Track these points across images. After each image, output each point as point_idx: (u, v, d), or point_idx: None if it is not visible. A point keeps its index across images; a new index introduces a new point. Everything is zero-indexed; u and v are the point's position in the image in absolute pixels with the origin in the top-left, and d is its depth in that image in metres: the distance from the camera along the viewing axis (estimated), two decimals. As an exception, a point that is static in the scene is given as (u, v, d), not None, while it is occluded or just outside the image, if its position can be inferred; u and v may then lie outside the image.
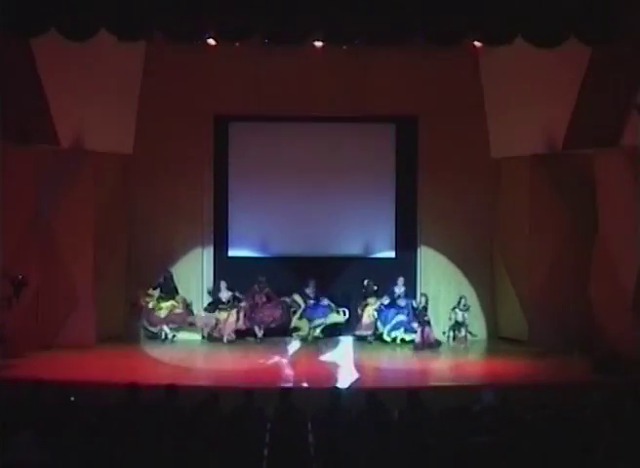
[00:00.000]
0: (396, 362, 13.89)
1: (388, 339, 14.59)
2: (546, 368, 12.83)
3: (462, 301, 14.45)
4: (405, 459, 7.36)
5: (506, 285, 15.01)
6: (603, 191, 13.67)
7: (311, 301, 14.91)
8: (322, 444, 7.88)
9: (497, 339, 15.04)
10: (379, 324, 14.66)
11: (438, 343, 14.24)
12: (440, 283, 15.39)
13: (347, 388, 11.35)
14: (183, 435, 7.85)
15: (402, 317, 14.56)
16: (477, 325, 15.23)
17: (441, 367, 13.43)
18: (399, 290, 14.78)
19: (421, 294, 14.79)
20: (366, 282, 14.85)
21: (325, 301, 14.94)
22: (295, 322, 14.90)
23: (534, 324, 14.30)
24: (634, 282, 12.90)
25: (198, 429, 8.04)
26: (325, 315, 14.89)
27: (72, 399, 9.00)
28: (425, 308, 14.38)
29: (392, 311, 14.63)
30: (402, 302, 14.65)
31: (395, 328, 14.57)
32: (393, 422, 8.72)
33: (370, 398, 9.06)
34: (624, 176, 13.05)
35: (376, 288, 14.82)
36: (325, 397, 9.26)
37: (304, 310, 14.87)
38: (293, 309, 14.90)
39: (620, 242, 13.24)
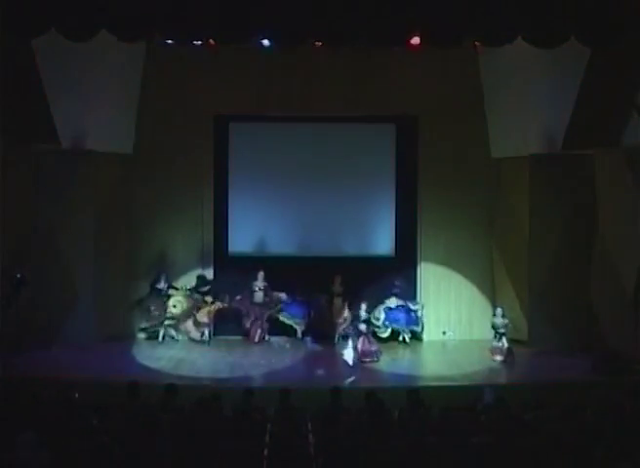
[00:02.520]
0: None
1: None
2: (546, 368, 12.82)
3: (499, 311, 13.81)
4: (405, 459, 7.37)
5: (506, 285, 15.01)
6: (603, 191, 13.68)
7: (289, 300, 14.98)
8: (322, 444, 7.89)
9: (497, 339, 15.03)
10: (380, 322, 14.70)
11: (379, 353, 13.49)
12: (440, 282, 15.39)
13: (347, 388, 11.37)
14: (183, 435, 7.85)
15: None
16: (477, 325, 15.26)
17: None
18: (397, 291, 14.79)
19: (363, 302, 14.33)
20: (338, 279, 14.88)
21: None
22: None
23: (534, 324, 14.30)
24: (634, 282, 12.91)
25: (198, 429, 8.04)
26: (303, 315, 14.89)
27: (77, 395, 9.02)
28: (367, 316, 14.08)
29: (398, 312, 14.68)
30: (392, 304, 14.71)
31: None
32: (393, 422, 8.72)
33: (370, 397, 9.07)
34: (624, 176, 13.06)
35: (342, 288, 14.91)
36: (325, 397, 9.28)
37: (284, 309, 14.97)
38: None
39: (620, 242, 13.25)
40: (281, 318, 15.00)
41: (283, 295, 14.96)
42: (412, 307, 14.84)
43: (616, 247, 13.39)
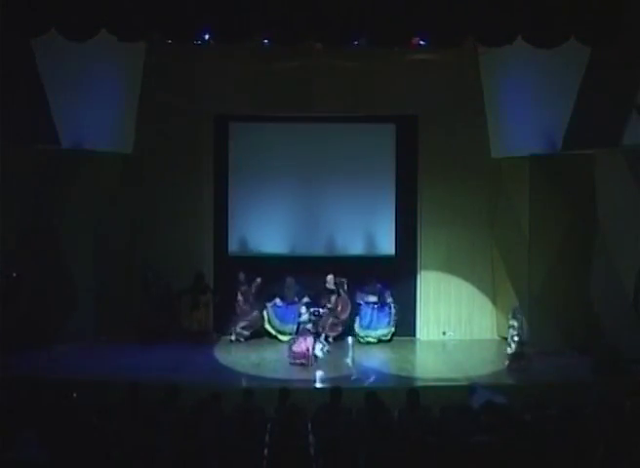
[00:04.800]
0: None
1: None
2: (546, 368, 12.82)
3: (513, 312, 13.09)
4: (405, 459, 7.37)
5: (506, 285, 15.01)
6: (603, 191, 13.68)
7: (284, 302, 14.86)
8: (322, 444, 7.89)
9: (497, 339, 15.04)
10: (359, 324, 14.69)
11: (315, 358, 13.07)
12: (440, 282, 15.39)
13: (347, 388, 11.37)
14: (184, 435, 7.86)
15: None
16: (477, 325, 15.27)
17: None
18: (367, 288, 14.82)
19: (306, 302, 14.22)
20: (331, 278, 14.78)
21: (304, 300, 14.57)
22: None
23: (534, 324, 14.28)
24: (634, 282, 12.90)
25: (198, 429, 8.04)
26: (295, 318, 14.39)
27: (75, 395, 9.03)
28: (315, 315, 13.84)
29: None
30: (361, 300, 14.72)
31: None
32: (393, 422, 8.72)
33: (370, 397, 9.07)
34: (624, 176, 13.06)
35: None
36: (325, 397, 9.28)
37: (277, 312, 14.87)
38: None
39: (621, 242, 13.25)
40: (268, 327, 14.85)
41: (258, 279, 14.81)
42: (387, 302, 14.74)
43: (616, 246, 13.38)
